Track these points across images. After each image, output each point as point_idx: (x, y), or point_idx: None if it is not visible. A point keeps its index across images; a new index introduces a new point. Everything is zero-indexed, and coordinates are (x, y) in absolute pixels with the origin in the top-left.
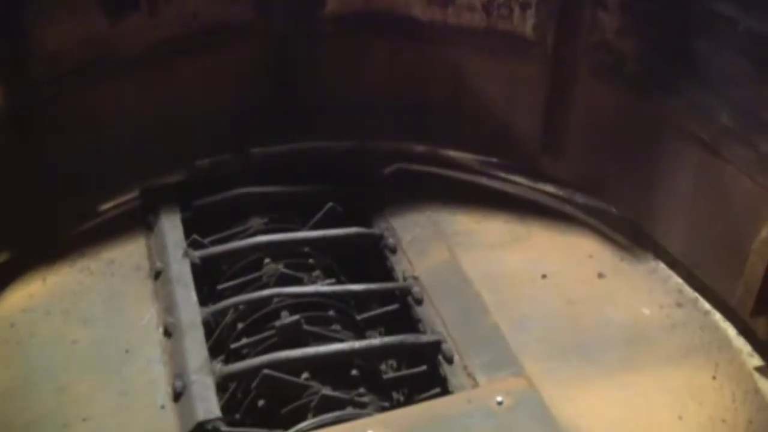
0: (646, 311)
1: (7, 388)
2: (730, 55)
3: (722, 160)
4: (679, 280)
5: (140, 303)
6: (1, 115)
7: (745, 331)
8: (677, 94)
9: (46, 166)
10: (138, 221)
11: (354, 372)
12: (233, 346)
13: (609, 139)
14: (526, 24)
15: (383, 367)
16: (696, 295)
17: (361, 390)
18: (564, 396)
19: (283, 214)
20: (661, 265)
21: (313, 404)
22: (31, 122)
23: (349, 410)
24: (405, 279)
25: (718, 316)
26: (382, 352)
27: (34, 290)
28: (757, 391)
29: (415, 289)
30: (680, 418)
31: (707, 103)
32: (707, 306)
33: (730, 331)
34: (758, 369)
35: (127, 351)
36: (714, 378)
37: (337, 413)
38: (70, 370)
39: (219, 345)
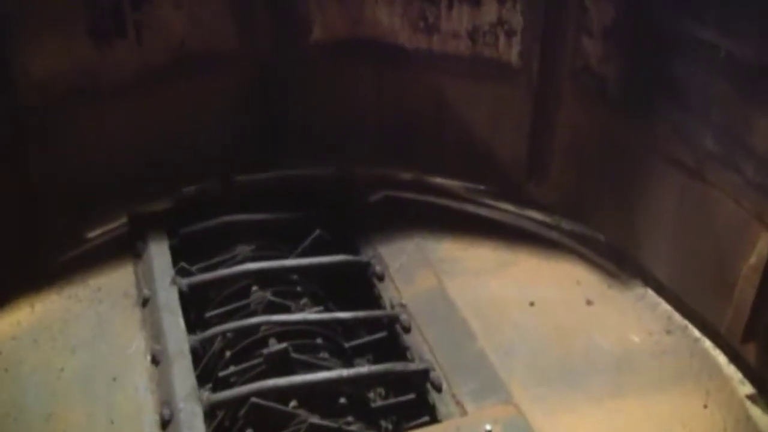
0: (635, 338)
1: None
2: (714, 79)
3: (707, 184)
4: (668, 307)
5: (128, 330)
6: None
7: (735, 358)
8: (661, 118)
9: (34, 193)
10: (125, 248)
11: (342, 400)
12: (221, 374)
13: (593, 164)
14: (512, 51)
15: (371, 395)
16: (685, 322)
17: (350, 419)
18: (552, 423)
19: (270, 242)
20: (650, 292)
21: None
22: (17, 149)
23: None
24: (392, 306)
25: (708, 343)
26: (371, 380)
27: (21, 317)
28: (748, 419)
29: (403, 317)
30: None
31: (691, 128)
32: (697, 333)
33: (721, 358)
34: (749, 397)
35: (114, 378)
36: (705, 406)
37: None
38: (58, 398)
39: (207, 373)
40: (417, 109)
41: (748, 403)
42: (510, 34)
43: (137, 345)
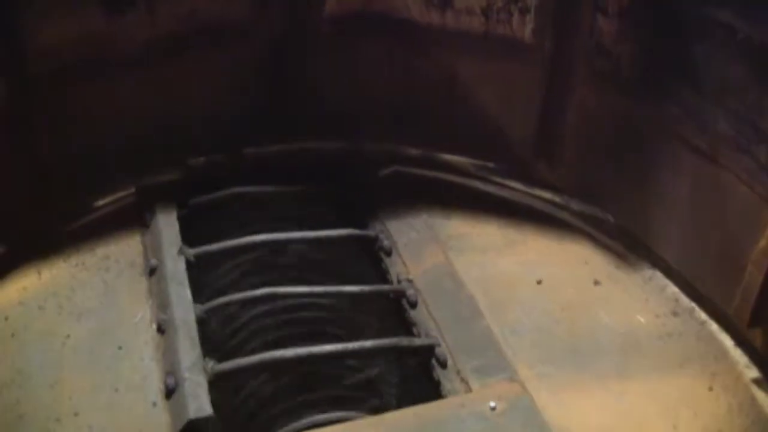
0: (642, 320)
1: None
2: (729, 62)
3: (720, 168)
4: (676, 290)
5: (134, 299)
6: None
7: (742, 342)
8: (675, 101)
9: (42, 162)
10: (133, 218)
11: (347, 373)
12: (227, 344)
13: (605, 145)
14: (525, 28)
15: (376, 368)
16: (692, 304)
17: (355, 391)
18: (557, 402)
19: (278, 214)
20: (658, 274)
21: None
22: (27, 118)
23: (341, 412)
24: (399, 282)
25: (714, 327)
26: (376, 353)
27: (28, 284)
28: (753, 402)
29: (410, 292)
30: (675, 427)
31: (705, 111)
32: (704, 316)
33: (727, 341)
34: (755, 380)
35: (120, 347)
36: (711, 389)
37: (329, 414)
38: (63, 365)
39: (213, 343)
40: (428, 85)
41: (754, 387)
42: (524, 11)
43: (143, 314)
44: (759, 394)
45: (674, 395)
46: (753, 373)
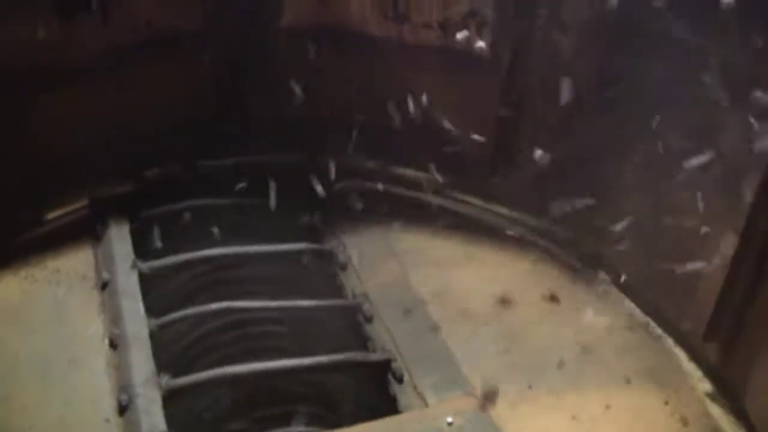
0: (597, 334)
1: None
2: (686, 78)
3: (674, 184)
4: (631, 304)
5: (86, 314)
6: None
7: (696, 356)
8: (632, 117)
9: None
10: (85, 231)
11: (301, 389)
12: (181, 359)
13: (561, 160)
14: (482, 42)
15: (331, 384)
16: (647, 319)
17: (308, 407)
18: (514, 416)
19: (234, 227)
20: (613, 289)
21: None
22: None
23: (298, 428)
24: (355, 296)
25: (669, 341)
26: (331, 368)
27: None
28: (707, 416)
29: (365, 306)
30: None
31: (662, 127)
32: (659, 330)
33: (682, 355)
34: (708, 394)
35: (71, 362)
36: (666, 402)
37: (284, 430)
38: (14, 380)
39: (166, 358)
40: (385, 98)
41: (707, 401)
42: (481, 25)
43: (95, 328)
44: (712, 407)
45: (630, 409)
46: (706, 386)
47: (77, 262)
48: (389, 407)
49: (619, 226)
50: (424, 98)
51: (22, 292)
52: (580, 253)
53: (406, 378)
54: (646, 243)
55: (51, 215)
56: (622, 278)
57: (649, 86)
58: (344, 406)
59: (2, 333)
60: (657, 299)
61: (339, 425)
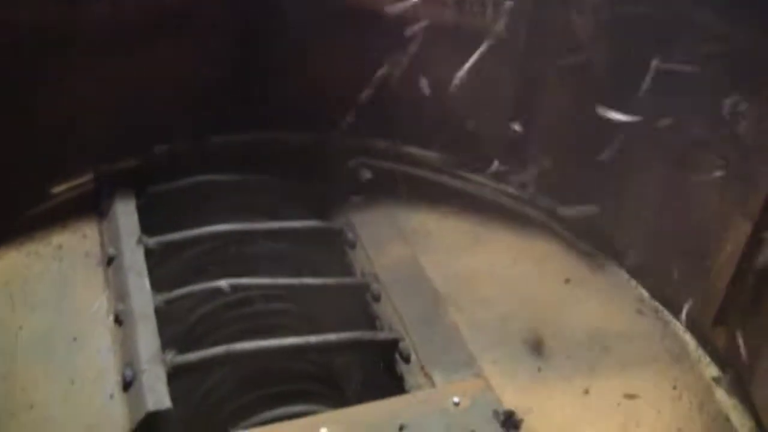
0: (607, 318)
1: None
2: (704, 64)
3: (690, 171)
4: (641, 289)
5: (90, 290)
6: None
7: (705, 341)
8: (647, 102)
9: None
10: (91, 206)
11: (307, 366)
12: (187, 336)
13: (575, 144)
14: (498, 22)
15: (338, 363)
16: (657, 304)
17: (314, 386)
18: (522, 399)
19: (243, 204)
20: (624, 273)
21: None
22: None
23: (302, 406)
24: (363, 275)
25: (678, 327)
26: (338, 347)
27: None
28: (713, 400)
29: (374, 286)
30: (637, 424)
31: (679, 113)
32: (668, 316)
33: (690, 341)
34: (715, 379)
35: (75, 338)
36: (674, 388)
37: (290, 407)
38: (17, 357)
39: (172, 335)
40: (399, 77)
41: (714, 386)
42: (498, 4)
43: (100, 305)
44: (719, 392)
45: (638, 393)
46: (714, 371)
47: (82, 237)
48: (396, 387)
49: (631, 210)
50: (437, 77)
51: (26, 268)
52: (592, 237)
53: (413, 358)
54: (658, 228)
55: (56, 190)
56: (633, 263)
57: (668, 71)
58: (351, 384)
59: (5, 309)
60: (667, 284)
61: (345, 404)
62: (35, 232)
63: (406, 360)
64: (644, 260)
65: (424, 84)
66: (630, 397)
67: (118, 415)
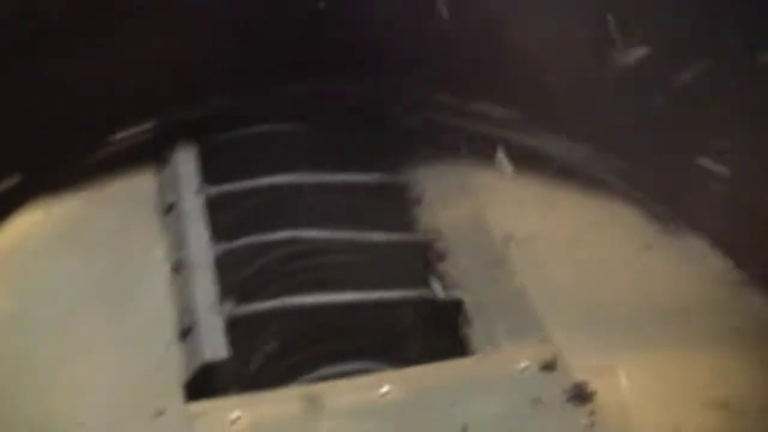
0: (687, 289)
1: (6, 317)
2: None
3: None
4: (723, 260)
5: (149, 237)
6: (17, 35)
7: None
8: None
9: (59, 92)
10: (151, 154)
11: (367, 323)
12: (245, 287)
13: (655, 107)
14: None
15: (399, 321)
16: (740, 276)
17: (374, 344)
18: (591, 366)
19: (303, 155)
20: (706, 244)
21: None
22: (46, 46)
23: (360, 363)
24: (428, 232)
25: (760, 299)
26: (399, 304)
27: (38, 219)
28: None
29: (439, 244)
30: (726, 402)
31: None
32: (752, 289)
33: None
34: None
35: (133, 286)
36: (752, 363)
37: (348, 365)
38: (72, 302)
39: (230, 285)
40: (469, 29)
41: None
42: None
43: (158, 252)
44: None
45: (715, 367)
46: None
47: (141, 185)
48: (459, 349)
49: (714, 180)
50: (510, 29)
51: (85, 215)
52: (672, 204)
53: (478, 320)
54: (741, 195)
55: (116, 137)
56: (715, 233)
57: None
58: (412, 344)
59: (63, 255)
60: (751, 257)
61: (405, 364)
62: (95, 179)
63: (471, 322)
64: (728, 231)
65: (494, 35)
66: (705, 371)
67: (174, 363)
